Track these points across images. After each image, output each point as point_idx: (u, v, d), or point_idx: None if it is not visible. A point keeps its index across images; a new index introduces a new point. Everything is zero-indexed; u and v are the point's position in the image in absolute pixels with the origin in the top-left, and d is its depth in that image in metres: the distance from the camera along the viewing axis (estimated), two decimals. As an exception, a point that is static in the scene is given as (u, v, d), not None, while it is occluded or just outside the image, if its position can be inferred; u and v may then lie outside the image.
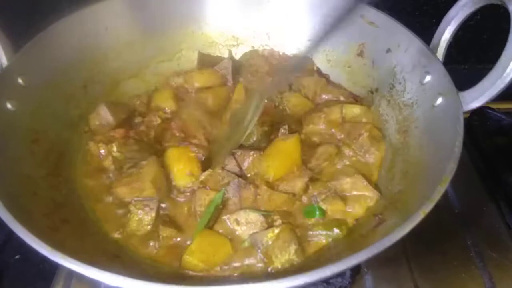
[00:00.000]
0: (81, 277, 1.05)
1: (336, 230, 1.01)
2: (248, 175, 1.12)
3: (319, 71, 1.38)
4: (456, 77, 1.03)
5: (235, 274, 0.95)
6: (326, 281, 1.04)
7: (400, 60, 1.18)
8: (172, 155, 1.13)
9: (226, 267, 0.96)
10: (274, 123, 1.22)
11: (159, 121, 1.24)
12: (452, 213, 1.25)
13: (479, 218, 1.24)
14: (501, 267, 1.13)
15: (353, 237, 0.99)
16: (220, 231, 1.02)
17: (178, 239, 1.02)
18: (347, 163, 1.14)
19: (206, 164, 1.13)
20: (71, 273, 1.09)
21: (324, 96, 1.30)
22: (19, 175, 0.98)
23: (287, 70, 1.36)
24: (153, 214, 1.03)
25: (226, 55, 1.45)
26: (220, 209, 1.04)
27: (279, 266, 0.94)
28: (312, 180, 1.10)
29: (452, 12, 1.09)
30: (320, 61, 1.39)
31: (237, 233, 1.01)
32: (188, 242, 1.00)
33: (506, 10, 0.96)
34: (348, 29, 1.29)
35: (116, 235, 1.03)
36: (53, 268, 1.10)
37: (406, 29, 1.17)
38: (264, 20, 1.42)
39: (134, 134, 1.21)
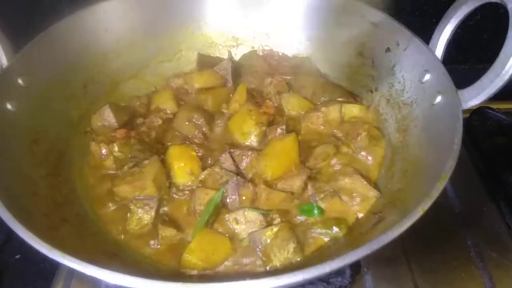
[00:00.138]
0: (81, 277, 1.07)
1: (335, 229, 1.01)
2: (246, 175, 1.12)
3: (318, 71, 1.38)
4: (456, 77, 1.03)
5: (234, 272, 0.95)
6: (326, 280, 1.04)
7: (400, 59, 1.18)
8: (174, 153, 1.14)
9: (225, 266, 0.96)
10: (272, 123, 1.23)
11: (160, 122, 1.25)
12: (452, 213, 1.25)
13: (479, 218, 1.24)
14: (501, 267, 1.13)
15: (353, 236, 0.99)
16: (220, 230, 1.02)
17: (178, 237, 1.02)
18: (346, 162, 1.14)
19: (205, 163, 1.14)
20: (71, 273, 1.09)
21: (323, 96, 1.30)
22: (19, 175, 0.98)
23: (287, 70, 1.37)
24: (153, 213, 1.04)
25: (225, 55, 1.45)
26: (219, 208, 1.05)
27: (278, 265, 0.94)
28: (311, 179, 1.10)
29: (451, 10, 1.09)
30: (320, 61, 1.39)
31: (236, 231, 1.02)
32: (188, 241, 1.00)
33: (505, 10, 0.96)
34: (348, 29, 1.30)
35: (117, 235, 1.03)
36: (53, 267, 1.10)
37: (406, 28, 1.17)
38: (264, 21, 1.42)
39: (135, 134, 1.21)
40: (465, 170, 1.34)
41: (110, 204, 1.08)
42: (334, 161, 1.14)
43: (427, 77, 1.09)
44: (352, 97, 1.31)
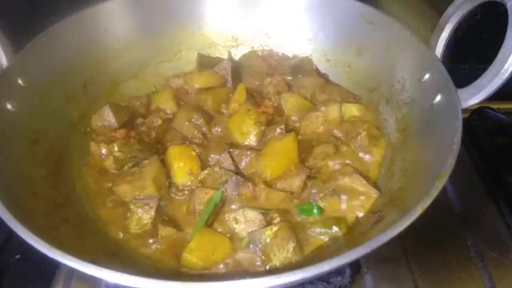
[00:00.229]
0: (81, 277, 1.07)
1: (335, 228, 1.00)
2: (246, 175, 1.12)
3: (318, 71, 1.38)
4: (456, 77, 1.03)
5: (234, 272, 0.95)
6: (326, 280, 1.04)
7: (399, 58, 1.19)
8: (174, 153, 1.14)
9: (224, 265, 0.96)
10: (271, 123, 1.23)
11: (160, 122, 1.25)
12: (452, 213, 1.25)
13: (479, 218, 1.24)
14: (501, 267, 1.13)
15: (353, 235, 0.99)
16: (219, 229, 1.02)
17: (177, 237, 1.02)
18: (346, 162, 1.14)
19: (205, 163, 1.14)
20: (71, 273, 1.09)
21: (322, 96, 1.30)
22: (19, 175, 0.98)
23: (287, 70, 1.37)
24: (153, 213, 1.04)
25: (225, 56, 1.45)
26: (219, 207, 1.05)
27: (277, 264, 0.94)
28: (310, 178, 1.10)
29: (450, 10, 1.09)
30: (319, 61, 1.39)
31: (236, 231, 1.02)
32: (188, 240, 1.00)
33: (505, 9, 0.96)
34: (347, 29, 1.30)
35: (116, 234, 1.03)
36: (53, 267, 1.10)
37: (404, 27, 1.17)
38: (263, 21, 1.42)
39: (135, 134, 1.21)
40: (465, 170, 1.34)
41: (110, 204, 1.08)
42: (333, 160, 1.13)
43: (427, 76, 1.09)
44: (352, 97, 1.31)
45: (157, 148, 1.19)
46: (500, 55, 0.94)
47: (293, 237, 0.97)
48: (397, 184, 1.04)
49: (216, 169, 1.10)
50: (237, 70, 1.39)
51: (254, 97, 1.30)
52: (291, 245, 0.95)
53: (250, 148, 1.16)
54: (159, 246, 1.01)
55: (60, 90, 1.19)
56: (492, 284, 1.09)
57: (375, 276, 1.10)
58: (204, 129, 1.22)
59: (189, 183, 1.11)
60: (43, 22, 1.17)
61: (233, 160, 1.13)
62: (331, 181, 1.09)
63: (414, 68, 1.13)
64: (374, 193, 1.06)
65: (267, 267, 0.95)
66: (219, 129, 1.23)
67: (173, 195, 1.10)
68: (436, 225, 1.16)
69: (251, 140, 1.19)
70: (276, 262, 0.94)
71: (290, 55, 1.44)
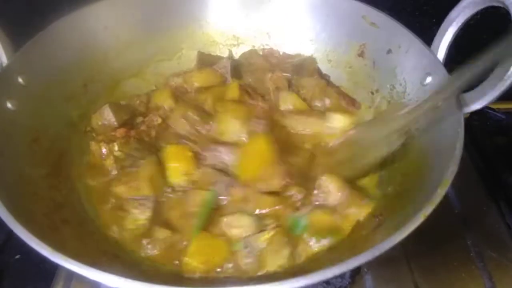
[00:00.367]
0: (81, 278, 1.06)
1: (328, 239, 0.98)
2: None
3: (320, 72, 1.37)
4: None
5: (235, 276, 0.94)
6: (326, 281, 1.04)
7: (401, 61, 1.18)
8: (169, 153, 1.12)
9: (221, 270, 0.94)
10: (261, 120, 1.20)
11: (160, 120, 1.24)
12: (452, 213, 1.25)
13: (479, 218, 1.25)
14: (501, 267, 1.13)
15: (353, 238, 0.98)
16: (215, 233, 1.00)
17: (173, 239, 1.00)
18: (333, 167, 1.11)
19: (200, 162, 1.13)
20: (71, 273, 1.08)
21: (321, 99, 1.29)
22: (19, 175, 0.98)
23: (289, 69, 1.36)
24: (148, 214, 1.03)
25: (226, 54, 1.45)
26: (214, 210, 1.03)
27: (272, 270, 0.93)
28: (294, 177, 1.08)
29: (453, 13, 1.09)
30: (321, 61, 1.38)
31: (230, 236, 0.99)
32: (184, 243, 0.99)
33: (506, 10, 0.96)
34: (349, 30, 1.30)
35: (113, 233, 1.02)
36: (53, 268, 1.10)
37: (407, 30, 1.17)
38: (265, 20, 1.42)
39: (135, 133, 1.20)
40: (465, 170, 1.33)
41: (109, 205, 1.07)
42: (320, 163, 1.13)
43: (429, 79, 1.09)
44: (351, 102, 1.30)
45: (157, 147, 1.18)
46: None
47: (288, 243, 0.96)
48: (398, 188, 1.04)
49: (209, 170, 1.09)
50: (237, 68, 1.38)
51: (250, 94, 1.28)
52: (286, 251, 0.94)
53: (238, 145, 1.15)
54: (155, 250, 0.99)
55: (60, 89, 1.18)
56: (492, 284, 1.10)
57: (375, 276, 1.11)
58: (199, 127, 1.21)
59: (184, 183, 1.09)
60: (43, 21, 1.16)
61: (222, 160, 1.12)
62: (320, 194, 1.06)
63: (416, 71, 1.13)
64: (364, 208, 1.02)
65: (261, 274, 0.93)
66: (214, 127, 1.21)
67: (169, 195, 1.08)
68: (436, 225, 1.14)
69: (240, 137, 1.17)
70: (271, 268, 0.93)
71: (291, 54, 1.43)
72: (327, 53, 1.38)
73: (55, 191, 1.04)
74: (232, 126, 1.18)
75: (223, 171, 1.10)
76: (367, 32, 1.26)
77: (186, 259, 0.94)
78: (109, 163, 1.14)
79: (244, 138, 1.16)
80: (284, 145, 1.15)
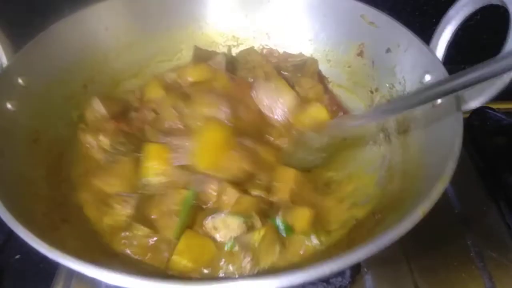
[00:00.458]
0: (81, 277, 1.07)
1: (314, 240, 0.97)
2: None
3: (320, 75, 1.37)
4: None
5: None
6: (326, 280, 1.04)
7: (400, 60, 1.18)
8: (147, 151, 1.10)
9: (212, 268, 0.93)
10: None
11: (153, 115, 1.22)
12: (452, 213, 1.25)
13: (479, 218, 1.24)
14: (501, 267, 1.13)
15: (352, 237, 0.98)
16: (200, 231, 0.99)
17: (155, 238, 0.98)
18: None
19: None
20: (71, 273, 1.09)
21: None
22: (19, 175, 0.98)
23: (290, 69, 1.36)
24: (129, 210, 1.02)
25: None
26: (195, 207, 1.02)
27: (266, 267, 0.92)
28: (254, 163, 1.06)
29: (452, 12, 1.09)
30: (320, 61, 1.38)
31: (216, 237, 0.98)
32: (165, 243, 0.97)
33: (506, 10, 0.96)
34: (348, 29, 1.30)
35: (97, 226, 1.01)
36: (53, 268, 1.10)
37: (406, 29, 1.17)
38: (264, 20, 1.42)
39: (127, 127, 1.19)
40: (465, 170, 1.34)
41: (89, 195, 1.07)
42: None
43: (428, 78, 1.09)
44: (342, 110, 1.29)
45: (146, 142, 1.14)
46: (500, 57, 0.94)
47: (278, 240, 0.95)
48: (397, 186, 1.04)
49: (180, 170, 1.07)
50: (233, 65, 1.38)
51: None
52: (277, 249, 0.94)
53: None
54: (134, 246, 0.97)
55: (60, 89, 1.19)
56: (492, 284, 1.10)
57: (375, 276, 1.11)
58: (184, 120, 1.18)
59: (158, 183, 1.08)
60: (43, 22, 1.16)
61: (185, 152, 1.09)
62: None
63: (415, 69, 1.12)
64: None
65: (256, 271, 0.92)
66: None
67: (149, 195, 1.06)
68: (436, 225, 1.15)
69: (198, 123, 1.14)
70: (265, 265, 0.92)
71: (292, 53, 1.43)
72: (326, 53, 1.38)
73: (55, 191, 1.04)
74: (199, 110, 1.16)
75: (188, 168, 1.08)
76: (366, 32, 1.26)
77: (175, 257, 0.93)
78: (95, 153, 1.14)
79: (200, 124, 1.13)
80: (256, 131, 1.15)
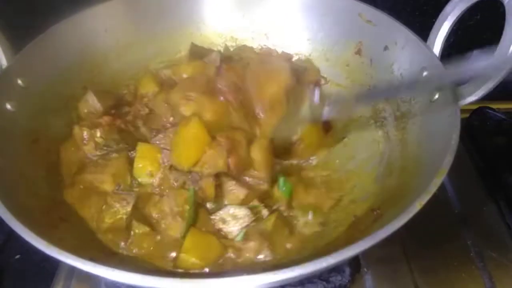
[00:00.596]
0: (81, 277, 1.06)
1: (310, 215, 1.02)
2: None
3: (317, 82, 1.35)
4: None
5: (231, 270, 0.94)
6: (326, 279, 1.04)
7: (398, 57, 1.18)
8: (139, 151, 1.10)
9: (219, 264, 0.95)
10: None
11: (147, 110, 1.22)
12: (452, 213, 1.25)
13: (479, 218, 1.24)
14: (501, 267, 1.13)
15: (351, 233, 0.98)
16: (203, 229, 1.00)
17: (155, 238, 0.99)
18: None
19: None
20: (71, 273, 1.09)
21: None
22: (19, 175, 0.98)
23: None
24: (129, 209, 1.02)
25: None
26: (196, 205, 1.03)
27: (282, 253, 0.96)
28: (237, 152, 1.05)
29: (448, 7, 1.09)
30: (319, 60, 1.39)
31: (224, 230, 1.00)
32: (168, 242, 0.98)
33: (504, 9, 0.96)
34: (346, 28, 1.30)
35: (92, 224, 1.01)
36: (53, 268, 1.10)
37: (403, 26, 1.17)
38: (262, 21, 1.42)
39: (120, 122, 1.19)
40: (465, 170, 1.34)
41: (76, 189, 1.07)
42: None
43: (425, 74, 1.09)
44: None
45: (140, 139, 1.15)
46: (497, 52, 0.94)
47: (287, 224, 0.99)
48: (396, 181, 1.04)
49: (168, 171, 1.07)
50: (228, 62, 1.34)
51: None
52: (286, 232, 0.98)
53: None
54: (133, 245, 0.98)
55: (59, 90, 1.19)
56: (492, 284, 1.10)
57: (375, 275, 1.11)
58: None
59: (149, 183, 1.08)
60: (43, 23, 1.17)
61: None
62: None
63: (413, 66, 1.13)
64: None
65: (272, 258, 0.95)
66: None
67: (144, 192, 1.07)
68: (436, 225, 1.17)
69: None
70: (280, 251, 0.96)
71: (291, 53, 1.43)
72: (324, 52, 1.38)
73: (55, 190, 1.04)
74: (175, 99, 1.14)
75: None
76: (363, 30, 1.26)
77: (183, 255, 0.94)
78: (89, 148, 1.13)
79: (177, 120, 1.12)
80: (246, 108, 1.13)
